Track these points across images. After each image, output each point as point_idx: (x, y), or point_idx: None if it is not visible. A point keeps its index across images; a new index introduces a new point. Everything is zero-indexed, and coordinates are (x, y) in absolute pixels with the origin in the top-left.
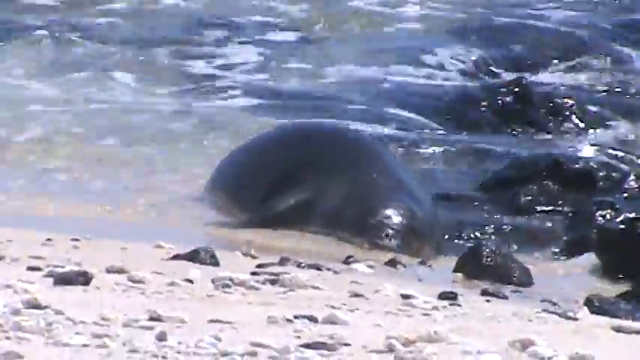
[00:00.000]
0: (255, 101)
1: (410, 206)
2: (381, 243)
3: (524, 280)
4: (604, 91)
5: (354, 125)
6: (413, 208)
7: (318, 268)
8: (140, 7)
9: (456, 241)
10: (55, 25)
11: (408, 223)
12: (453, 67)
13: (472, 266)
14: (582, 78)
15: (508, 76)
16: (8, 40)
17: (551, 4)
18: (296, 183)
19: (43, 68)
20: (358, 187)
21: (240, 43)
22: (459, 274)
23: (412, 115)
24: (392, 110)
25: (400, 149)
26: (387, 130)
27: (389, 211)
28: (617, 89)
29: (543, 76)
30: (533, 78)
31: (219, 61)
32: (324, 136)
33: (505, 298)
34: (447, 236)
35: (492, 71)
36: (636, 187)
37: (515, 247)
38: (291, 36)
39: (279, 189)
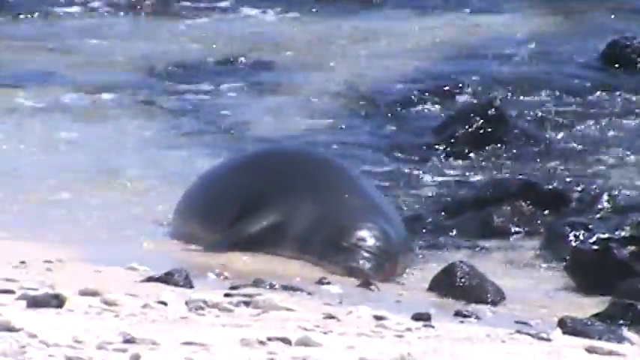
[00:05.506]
0: None
1: (382, 227)
2: (354, 266)
3: (498, 301)
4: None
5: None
6: (385, 228)
7: (292, 290)
8: None
9: (430, 263)
10: None
11: (381, 245)
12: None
13: (446, 286)
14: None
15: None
16: None
17: None
18: (266, 206)
19: None
20: (328, 209)
21: None
22: (433, 294)
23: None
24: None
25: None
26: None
27: (361, 234)
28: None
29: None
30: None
31: None
32: (291, 158)
33: (478, 318)
34: (421, 256)
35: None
36: (609, 208)
37: (489, 267)
38: None
39: (248, 212)
